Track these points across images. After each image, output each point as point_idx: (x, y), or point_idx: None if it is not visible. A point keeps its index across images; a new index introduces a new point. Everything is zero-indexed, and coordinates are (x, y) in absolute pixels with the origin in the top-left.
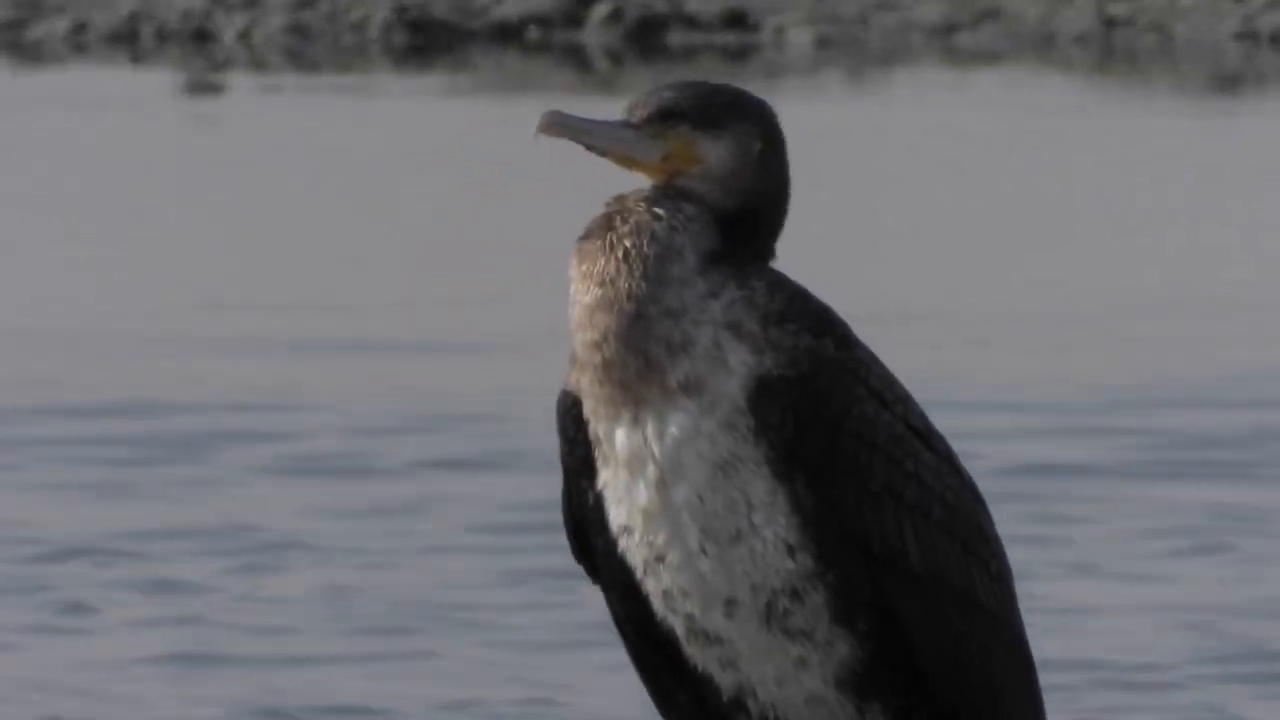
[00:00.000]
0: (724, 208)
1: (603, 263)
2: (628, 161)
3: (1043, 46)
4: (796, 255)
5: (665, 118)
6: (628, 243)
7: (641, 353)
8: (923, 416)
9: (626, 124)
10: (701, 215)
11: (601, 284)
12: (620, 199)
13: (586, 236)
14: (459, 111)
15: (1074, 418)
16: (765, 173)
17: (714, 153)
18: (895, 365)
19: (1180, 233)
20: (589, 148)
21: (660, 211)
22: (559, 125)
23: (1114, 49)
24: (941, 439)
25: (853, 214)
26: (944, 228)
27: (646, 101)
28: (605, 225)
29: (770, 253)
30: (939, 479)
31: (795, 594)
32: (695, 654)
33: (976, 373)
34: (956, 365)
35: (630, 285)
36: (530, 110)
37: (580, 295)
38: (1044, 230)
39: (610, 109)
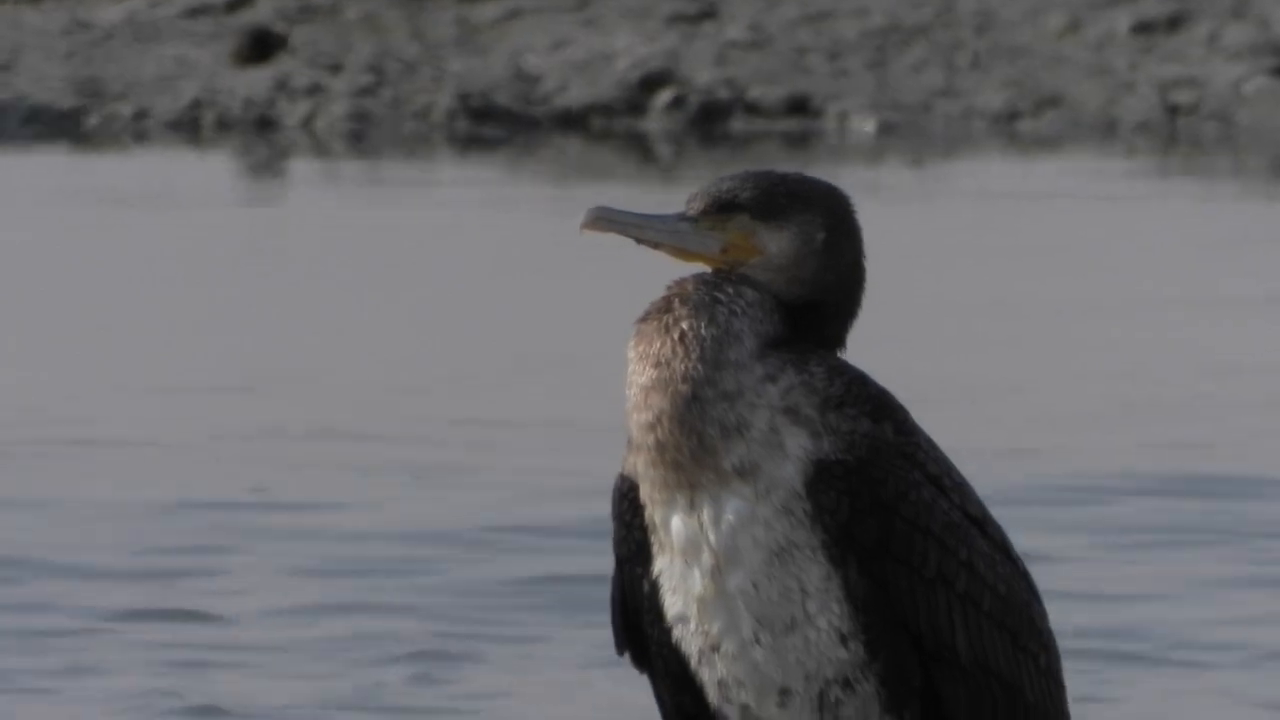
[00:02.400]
0: (788, 296)
1: (659, 344)
2: (685, 254)
3: (1105, 134)
4: (854, 339)
5: (723, 209)
6: (684, 325)
7: (696, 434)
8: (979, 504)
9: (682, 217)
10: (763, 301)
11: (657, 365)
12: (681, 282)
13: (645, 318)
14: (521, 199)
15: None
16: (831, 262)
17: (775, 243)
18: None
19: (1242, 321)
20: (641, 242)
21: (720, 296)
22: (606, 221)
23: (1176, 136)
24: (997, 527)
25: (913, 299)
26: (1002, 313)
27: (704, 193)
28: (664, 307)
29: (840, 340)
30: (992, 568)
31: (847, 683)
32: None
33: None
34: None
35: (685, 367)
36: (592, 198)
37: (636, 376)
38: (1106, 317)
39: (673, 195)
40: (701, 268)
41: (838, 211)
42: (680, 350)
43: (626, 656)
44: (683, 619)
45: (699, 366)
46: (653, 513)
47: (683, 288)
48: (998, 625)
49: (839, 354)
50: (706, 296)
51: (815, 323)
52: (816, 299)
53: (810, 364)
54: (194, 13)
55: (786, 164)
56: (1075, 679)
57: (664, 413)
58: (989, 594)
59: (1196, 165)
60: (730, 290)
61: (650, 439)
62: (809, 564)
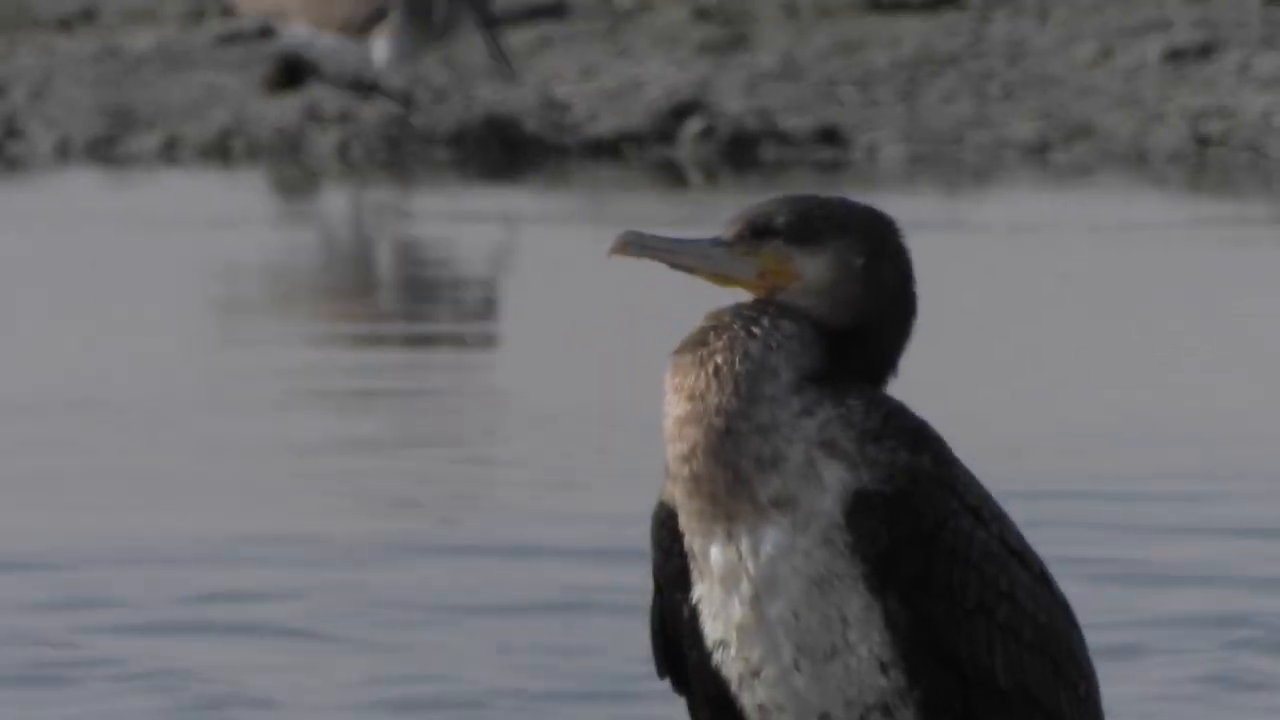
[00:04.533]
0: (830, 323)
1: (694, 378)
2: (722, 279)
3: (1136, 164)
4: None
5: (757, 234)
6: (719, 359)
7: (731, 467)
8: (1018, 534)
9: (717, 241)
10: (801, 333)
11: (691, 398)
12: (718, 313)
13: (680, 350)
14: (552, 224)
15: None
16: (873, 288)
17: (811, 269)
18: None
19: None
20: (675, 266)
21: (756, 329)
22: (636, 246)
23: (1207, 166)
24: (1036, 558)
25: (949, 332)
26: (1036, 348)
27: (739, 218)
28: (699, 340)
29: (889, 370)
30: (1032, 598)
31: (887, 710)
32: None
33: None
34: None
35: (720, 401)
36: (625, 224)
37: (671, 408)
38: (1135, 352)
39: (707, 223)
40: (741, 294)
41: (878, 236)
42: (715, 384)
43: (667, 681)
44: (723, 644)
45: (733, 401)
46: (691, 541)
47: (719, 319)
48: (1038, 654)
49: (890, 381)
50: (742, 330)
51: (861, 351)
52: (859, 326)
53: (848, 397)
54: (226, 40)
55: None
56: None
57: (698, 445)
58: (1029, 623)
59: (1227, 195)
60: (767, 323)
61: (686, 470)
62: (849, 594)
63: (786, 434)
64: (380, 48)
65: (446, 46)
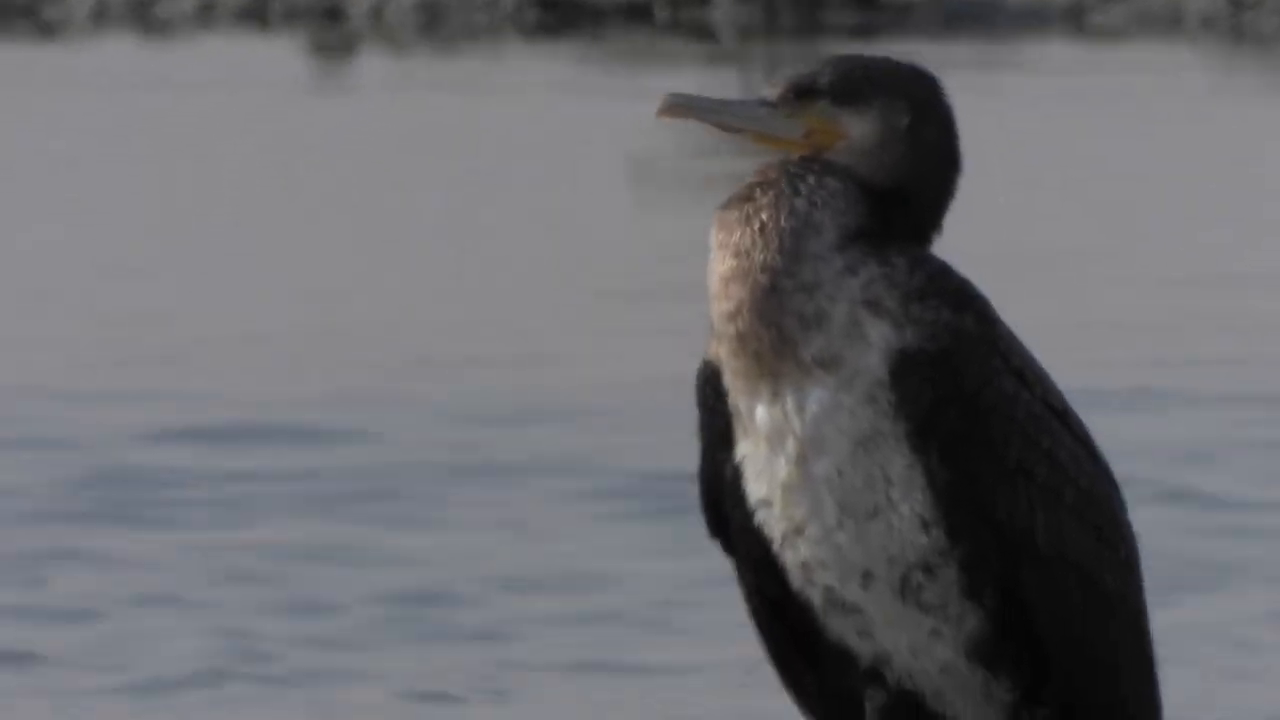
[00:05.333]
0: (875, 183)
1: (739, 234)
2: (768, 139)
3: (1170, 27)
4: None
5: (802, 94)
6: (765, 215)
7: (775, 326)
8: (1061, 397)
9: (763, 102)
10: (846, 191)
11: (737, 255)
12: (764, 169)
13: (727, 206)
14: (591, 86)
15: None
16: (918, 147)
17: (857, 128)
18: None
19: None
20: (721, 127)
21: (801, 186)
22: (683, 107)
23: (1242, 30)
24: (1079, 421)
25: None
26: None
27: (784, 78)
28: (746, 196)
29: (933, 230)
30: (1074, 461)
31: (928, 569)
32: (834, 624)
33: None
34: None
35: (765, 258)
36: (662, 86)
37: (717, 265)
38: (1157, 212)
39: (743, 85)
40: (785, 153)
41: (923, 95)
42: (760, 241)
43: (718, 541)
44: (766, 504)
45: (778, 258)
46: (736, 400)
47: (765, 175)
48: (1078, 516)
49: (935, 239)
50: (788, 187)
51: (904, 210)
52: (904, 185)
53: (892, 256)
54: None
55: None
56: None
57: (743, 303)
58: (1070, 485)
59: (1260, 60)
60: (813, 180)
61: (731, 329)
62: (892, 452)
63: (830, 292)
64: None
65: None
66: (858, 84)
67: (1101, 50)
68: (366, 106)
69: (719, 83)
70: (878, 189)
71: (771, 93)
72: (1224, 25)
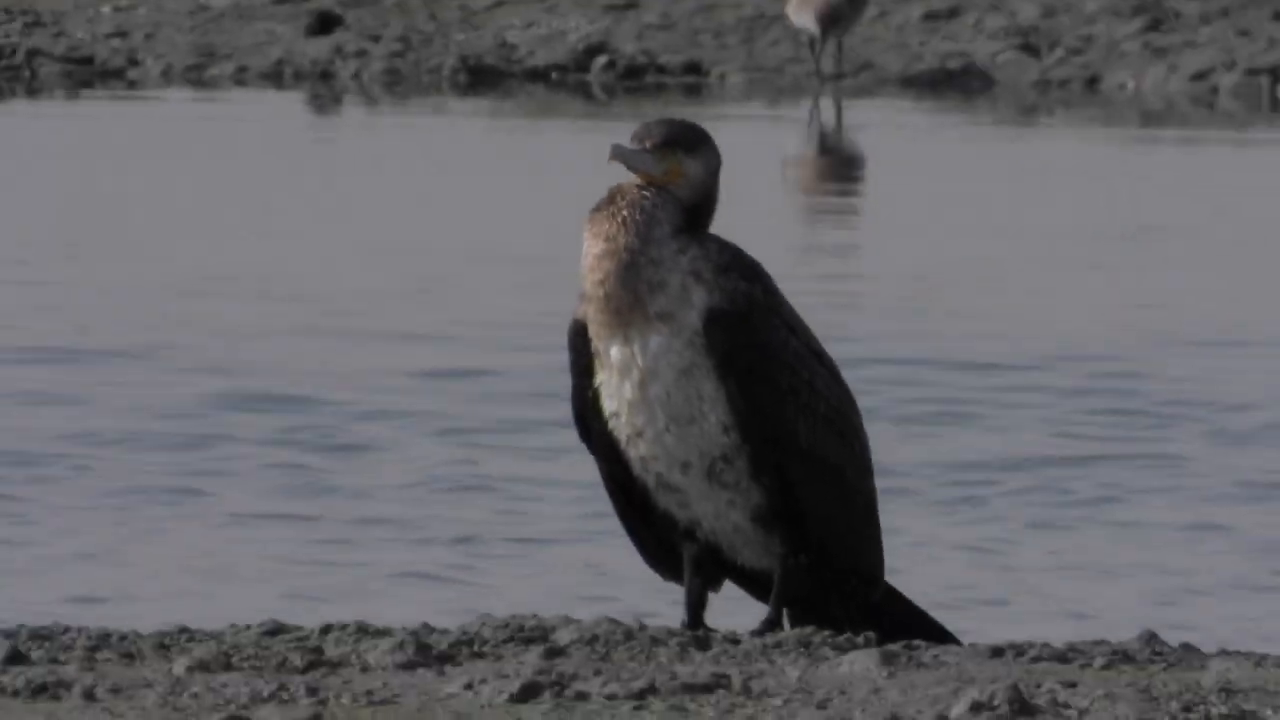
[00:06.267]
0: (688, 200)
1: (607, 225)
2: (641, 173)
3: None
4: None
5: (668, 145)
6: (625, 212)
7: (631, 290)
8: (818, 343)
9: (644, 150)
10: (673, 201)
11: (605, 240)
12: (620, 187)
13: (597, 208)
14: (504, 130)
15: None
16: (715, 178)
17: (693, 168)
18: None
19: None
20: (626, 165)
21: (647, 195)
22: (619, 155)
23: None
24: (831, 361)
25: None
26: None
27: (654, 134)
28: (610, 200)
29: (707, 227)
30: (826, 387)
31: (727, 459)
32: (662, 499)
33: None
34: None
35: (625, 240)
36: (553, 131)
37: (590, 247)
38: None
39: (610, 129)
40: (636, 179)
41: (716, 147)
42: (622, 230)
43: (585, 445)
44: (616, 415)
45: (635, 241)
46: (598, 344)
47: (621, 189)
48: (827, 424)
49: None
50: (638, 196)
51: (698, 217)
52: (701, 201)
53: (706, 243)
54: (279, 1)
55: (684, 109)
56: None
57: (610, 273)
58: (822, 402)
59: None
60: (652, 192)
61: (600, 292)
62: (704, 379)
63: (669, 265)
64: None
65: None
66: (695, 139)
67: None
68: (348, 138)
69: (592, 130)
70: (688, 203)
71: (648, 143)
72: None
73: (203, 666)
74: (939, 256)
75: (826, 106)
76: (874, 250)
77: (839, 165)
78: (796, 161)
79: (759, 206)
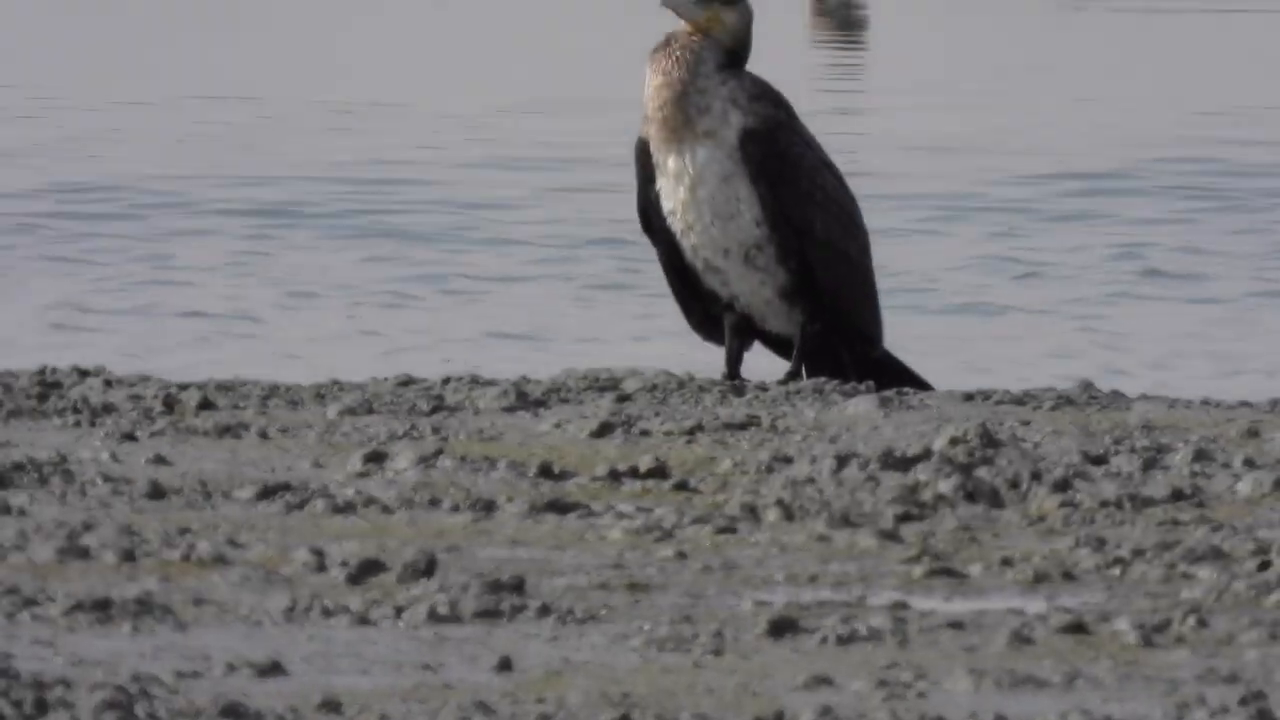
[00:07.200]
0: (728, 45)
1: (664, 62)
2: (687, 19)
3: None
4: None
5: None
6: (678, 53)
7: (683, 112)
8: (827, 155)
9: (690, 1)
10: (717, 44)
11: (663, 74)
12: (673, 33)
13: (655, 50)
14: None
15: None
16: (749, 27)
17: (730, 18)
18: None
19: None
20: (675, 11)
21: (695, 39)
22: (670, 3)
23: None
24: (837, 168)
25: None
26: None
27: None
28: (665, 44)
29: (745, 64)
30: (836, 188)
31: (758, 247)
32: (708, 280)
33: None
34: None
35: (678, 74)
36: None
37: (651, 79)
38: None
39: None
40: (686, 25)
41: (749, 2)
42: (676, 67)
43: (647, 237)
44: (672, 213)
45: (685, 74)
46: (657, 155)
47: (675, 35)
48: (836, 217)
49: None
50: (688, 40)
51: (738, 58)
52: (740, 46)
53: (742, 78)
54: None
55: None
56: None
57: (666, 100)
58: (833, 201)
59: None
60: (699, 38)
61: (660, 115)
62: (740, 183)
63: (713, 94)
64: None
65: None
66: None
67: None
68: None
69: None
70: (729, 47)
71: None
72: None
73: (350, 411)
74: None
75: None
76: (874, 72)
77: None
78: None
79: (787, 46)
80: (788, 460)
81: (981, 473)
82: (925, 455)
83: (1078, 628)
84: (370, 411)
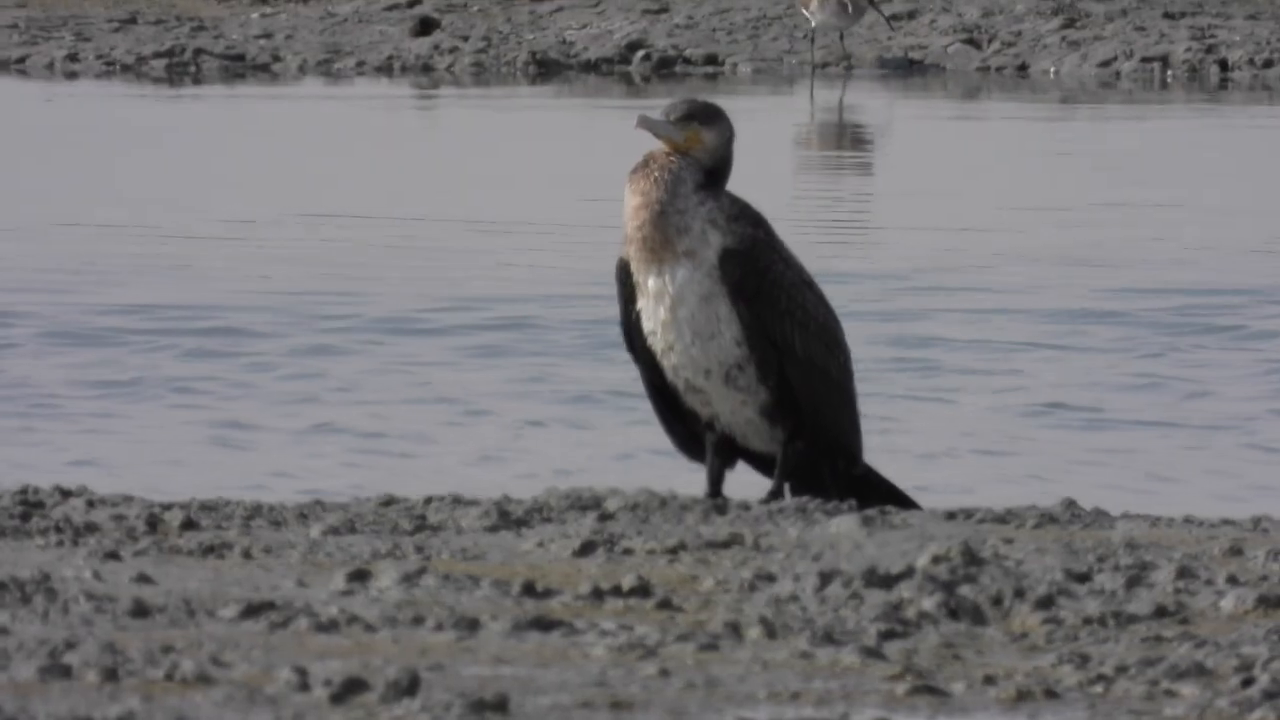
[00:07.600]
0: (707, 165)
1: (644, 183)
2: (664, 139)
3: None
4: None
5: (687, 119)
6: (656, 173)
7: (662, 232)
8: (808, 273)
9: (668, 121)
10: (695, 165)
11: (642, 194)
12: (651, 154)
13: (634, 170)
14: (564, 109)
15: None
16: (729, 146)
17: (709, 138)
18: None
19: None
20: (652, 133)
21: (674, 160)
22: (646, 124)
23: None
24: (817, 286)
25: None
26: None
27: (676, 109)
28: (644, 164)
29: (725, 184)
30: (816, 306)
31: (739, 367)
32: (689, 399)
33: None
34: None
35: (657, 195)
36: (607, 111)
37: (630, 200)
38: None
39: (643, 104)
40: (663, 146)
41: (730, 121)
42: (655, 187)
43: (630, 356)
44: (653, 333)
45: (664, 195)
46: (638, 277)
47: (653, 156)
48: (817, 337)
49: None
50: (666, 160)
51: (716, 179)
52: (719, 166)
53: (721, 198)
54: (389, 9)
55: (707, 93)
56: None
57: (646, 220)
58: (813, 320)
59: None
60: (678, 158)
61: (639, 235)
62: (720, 303)
63: (692, 214)
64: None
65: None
66: (711, 114)
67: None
68: (440, 118)
69: (632, 105)
70: (708, 168)
71: (671, 116)
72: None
73: (334, 530)
74: (917, 200)
75: (819, 88)
76: (859, 197)
77: (831, 134)
78: (800, 129)
79: (767, 165)
80: (771, 578)
81: (964, 590)
82: (908, 573)
83: None
84: (353, 530)
